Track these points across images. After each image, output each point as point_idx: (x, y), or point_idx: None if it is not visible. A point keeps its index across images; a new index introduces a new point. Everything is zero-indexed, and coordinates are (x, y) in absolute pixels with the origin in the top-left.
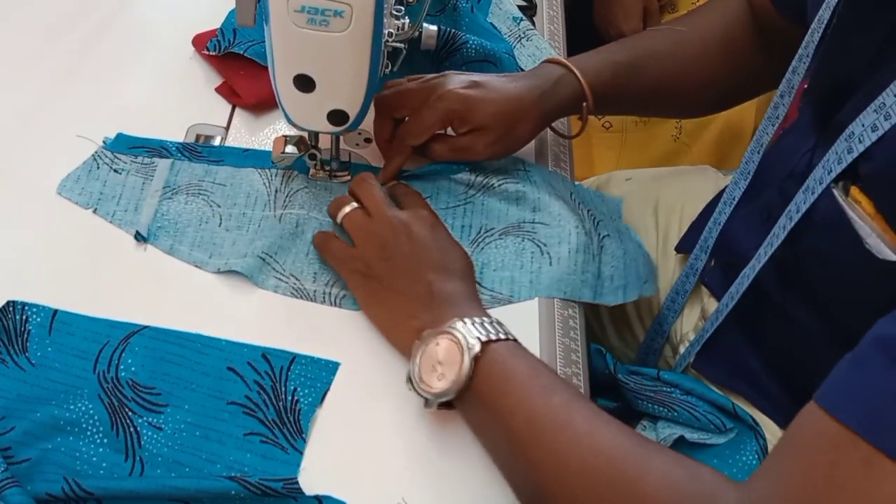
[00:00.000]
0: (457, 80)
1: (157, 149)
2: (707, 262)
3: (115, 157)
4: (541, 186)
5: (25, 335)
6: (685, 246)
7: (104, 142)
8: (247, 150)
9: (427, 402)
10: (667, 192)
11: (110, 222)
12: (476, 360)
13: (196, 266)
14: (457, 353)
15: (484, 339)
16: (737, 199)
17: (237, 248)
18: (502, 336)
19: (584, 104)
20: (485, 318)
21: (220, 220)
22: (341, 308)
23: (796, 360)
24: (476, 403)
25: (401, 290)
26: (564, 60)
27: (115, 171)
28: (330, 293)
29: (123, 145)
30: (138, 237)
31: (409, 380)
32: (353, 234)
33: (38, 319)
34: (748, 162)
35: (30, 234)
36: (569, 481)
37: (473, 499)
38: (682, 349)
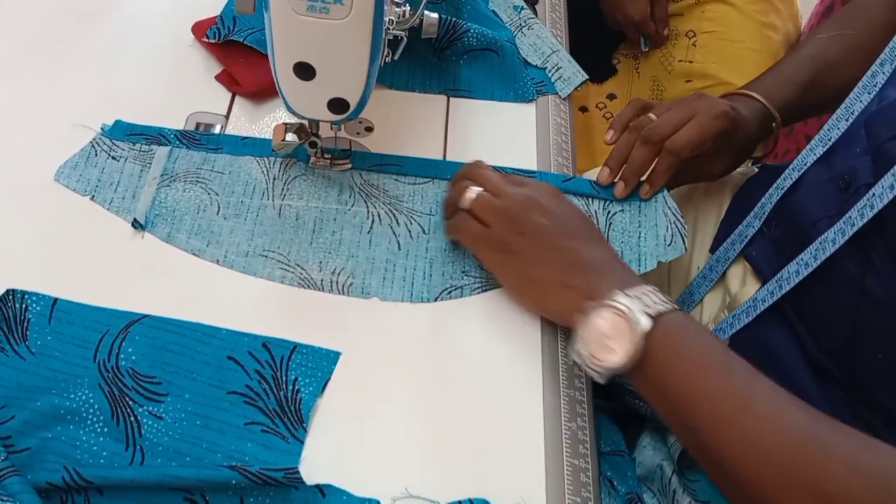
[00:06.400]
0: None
1: (155, 136)
2: (757, 233)
3: (113, 144)
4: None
5: (25, 324)
6: (724, 233)
7: (102, 129)
8: (245, 137)
9: (600, 376)
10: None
11: (107, 209)
12: (646, 336)
13: (194, 254)
14: (624, 327)
15: (652, 312)
16: (808, 165)
17: (235, 237)
18: (667, 307)
19: (774, 124)
20: (645, 288)
21: (219, 208)
22: (348, 296)
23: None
24: (650, 378)
25: (546, 260)
26: (751, 92)
27: (113, 158)
28: (337, 281)
29: (121, 132)
30: (136, 225)
31: (578, 354)
32: (484, 216)
33: (38, 308)
34: (831, 129)
35: (27, 221)
36: (753, 466)
37: (475, 487)
38: None
